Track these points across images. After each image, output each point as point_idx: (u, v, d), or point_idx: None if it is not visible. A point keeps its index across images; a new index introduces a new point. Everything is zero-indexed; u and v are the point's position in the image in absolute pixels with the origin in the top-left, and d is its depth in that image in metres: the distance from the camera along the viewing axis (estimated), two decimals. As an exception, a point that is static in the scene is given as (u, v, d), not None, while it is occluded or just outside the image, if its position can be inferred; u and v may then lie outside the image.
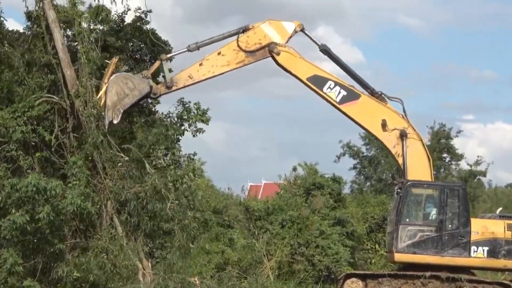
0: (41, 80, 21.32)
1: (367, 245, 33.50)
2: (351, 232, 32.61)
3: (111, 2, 22.02)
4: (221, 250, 28.95)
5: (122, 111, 20.68)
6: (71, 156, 20.37)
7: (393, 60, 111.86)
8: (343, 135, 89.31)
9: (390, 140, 21.69)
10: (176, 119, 23.42)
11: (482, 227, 21.21)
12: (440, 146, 53.70)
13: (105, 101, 20.59)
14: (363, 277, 21.70)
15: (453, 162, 54.88)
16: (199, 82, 21.50)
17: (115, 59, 21.16)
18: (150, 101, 22.70)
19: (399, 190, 21.53)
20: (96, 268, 19.33)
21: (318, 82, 21.69)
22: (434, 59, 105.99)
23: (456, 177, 52.07)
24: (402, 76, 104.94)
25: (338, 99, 21.66)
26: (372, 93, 21.92)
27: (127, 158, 20.79)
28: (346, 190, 42.03)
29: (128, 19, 23.63)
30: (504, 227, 21.20)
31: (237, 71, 21.80)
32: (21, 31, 22.58)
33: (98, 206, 20.19)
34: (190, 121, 23.22)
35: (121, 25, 23.51)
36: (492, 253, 21.04)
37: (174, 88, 21.38)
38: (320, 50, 22.10)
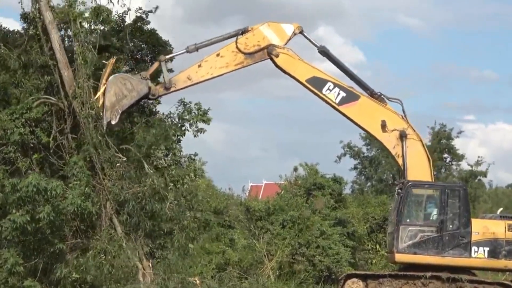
0: (38, 82, 21.31)
1: (368, 245, 33.52)
2: (352, 233, 32.63)
3: (108, 3, 22.01)
4: (221, 250, 28.96)
5: (120, 112, 20.67)
6: (70, 157, 20.39)
7: (393, 60, 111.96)
8: (343, 135, 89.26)
9: (390, 141, 21.68)
10: (177, 119, 23.43)
11: (483, 227, 21.19)
12: (441, 146, 53.75)
13: (103, 102, 20.61)
14: (363, 278, 21.69)
15: (454, 163, 54.95)
16: (197, 83, 21.49)
17: (112, 60, 21.14)
18: (151, 101, 22.70)
19: (399, 191, 21.52)
20: (94, 269, 19.34)
21: (317, 83, 21.69)
22: (434, 59, 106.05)
23: (456, 178, 52.09)
24: (402, 76, 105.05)
25: (337, 101, 21.65)
26: (372, 94, 21.92)
27: (125, 159, 20.79)
28: (347, 190, 42.10)
29: (129, 19, 23.68)
30: (505, 228, 21.18)
31: (237, 72, 21.80)
32: (18, 31, 22.59)
33: (97, 207, 20.20)
34: (191, 121, 23.24)
35: (122, 25, 23.51)
36: (492, 254, 21.01)
37: (172, 89, 21.37)
38: (319, 52, 22.09)
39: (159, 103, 23.54)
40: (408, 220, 21.44)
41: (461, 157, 54.53)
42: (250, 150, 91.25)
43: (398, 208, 21.32)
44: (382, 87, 21.85)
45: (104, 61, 21.23)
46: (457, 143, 54.50)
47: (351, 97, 21.70)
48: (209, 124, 23.37)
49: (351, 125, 22.02)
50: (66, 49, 21.59)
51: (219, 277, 24.86)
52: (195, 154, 24.49)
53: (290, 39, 21.83)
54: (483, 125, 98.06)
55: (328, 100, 21.71)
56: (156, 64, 21.42)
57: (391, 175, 52.65)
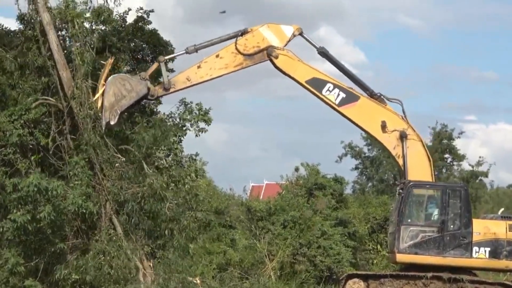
0: (35, 83, 21.31)
1: (369, 245, 33.48)
2: (353, 233, 32.59)
3: (105, 2, 22.02)
4: (223, 250, 28.94)
5: (119, 112, 20.68)
6: (70, 158, 20.38)
7: (393, 60, 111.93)
8: (343, 135, 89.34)
9: (390, 141, 21.67)
10: (178, 119, 23.43)
11: (484, 227, 21.18)
12: (442, 146, 53.75)
13: (102, 102, 20.61)
14: (365, 278, 21.69)
15: (455, 163, 54.96)
16: (197, 84, 21.49)
17: (110, 60, 21.14)
18: (151, 101, 22.69)
19: (401, 191, 21.50)
20: (93, 270, 19.34)
21: (317, 84, 21.69)
22: (434, 59, 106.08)
23: (458, 178, 52.10)
24: (402, 76, 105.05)
25: (337, 102, 21.64)
26: (371, 94, 21.92)
27: (123, 159, 20.79)
28: (348, 190, 42.07)
29: (130, 19, 23.68)
30: (506, 228, 21.17)
31: (236, 72, 21.79)
32: (14, 31, 22.56)
33: (97, 207, 20.19)
34: (192, 121, 23.23)
35: (123, 25, 23.51)
36: (494, 254, 21.00)
37: (172, 90, 21.36)
38: (319, 53, 22.09)
39: (160, 103, 23.58)
40: (409, 220, 21.44)
41: (462, 157, 54.56)
42: (250, 150, 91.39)
43: (399, 208, 21.32)
44: (382, 87, 21.95)
45: (102, 62, 21.23)
46: (458, 143, 54.61)
47: (351, 98, 21.70)
48: (209, 124, 23.40)
49: (352, 125, 22.03)
50: (67, 49, 21.61)
51: (220, 277, 24.88)
52: (196, 154, 24.54)
53: (289, 40, 21.84)
54: (484, 126, 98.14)
55: (328, 101, 21.70)
56: (155, 65, 21.41)
57: (392, 175, 52.68)
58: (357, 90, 21.97)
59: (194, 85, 21.50)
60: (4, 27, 22.82)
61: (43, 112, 20.87)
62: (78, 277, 19.46)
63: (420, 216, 22.04)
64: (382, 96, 21.89)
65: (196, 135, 23.40)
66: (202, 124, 23.33)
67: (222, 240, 29.76)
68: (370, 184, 56.89)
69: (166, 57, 21.87)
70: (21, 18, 21.95)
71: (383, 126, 21.54)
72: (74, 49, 20.89)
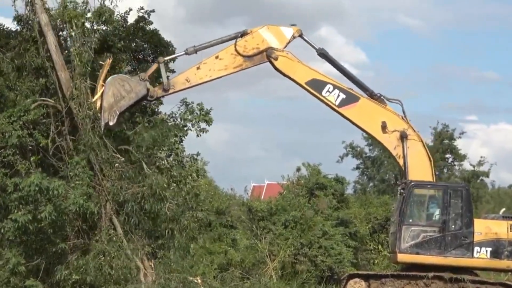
0: (32, 85, 21.30)
1: (370, 245, 33.51)
2: (354, 233, 32.63)
3: (101, 3, 21.99)
4: (224, 250, 28.97)
5: (118, 113, 20.65)
6: (70, 159, 20.37)
7: (393, 60, 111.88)
8: (343, 135, 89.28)
9: (390, 142, 21.65)
10: (179, 119, 23.43)
11: (485, 227, 21.15)
12: (443, 146, 53.73)
13: (101, 103, 20.60)
14: (366, 278, 21.67)
15: (456, 163, 54.94)
16: (196, 85, 21.47)
17: (109, 60, 21.12)
18: (152, 102, 22.68)
19: (402, 191, 21.49)
20: (93, 270, 19.34)
21: (316, 86, 21.67)
22: (434, 59, 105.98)
23: (459, 178, 52.10)
24: (402, 76, 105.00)
25: (337, 103, 21.63)
26: (371, 95, 21.90)
27: (123, 159, 20.78)
28: (349, 190, 42.14)
29: (131, 19, 23.67)
30: (507, 228, 21.12)
31: (237, 73, 21.78)
32: (11, 32, 22.54)
33: (97, 207, 20.19)
34: (194, 121, 23.23)
35: (124, 26, 23.50)
36: (495, 254, 20.97)
37: (171, 91, 21.35)
38: (318, 54, 22.07)
39: (161, 103, 23.57)
40: (410, 220, 21.42)
41: (463, 158, 54.54)
42: (251, 150, 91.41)
43: (401, 208, 21.30)
44: (382, 87, 21.98)
45: (101, 62, 21.22)
46: (459, 143, 54.57)
47: (350, 98, 21.68)
48: (210, 124, 23.39)
49: (351, 125, 22.00)
50: (68, 50, 21.60)
51: (221, 277, 24.90)
52: (197, 154, 24.53)
53: (289, 42, 21.83)
54: (485, 126, 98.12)
55: (328, 102, 21.69)
56: (155, 66, 21.39)
57: (393, 175, 52.65)
58: (357, 91, 21.97)
59: (193, 86, 21.49)
60: (5, 27, 22.82)
61: (42, 113, 20.86)
62: (79, 277, 19.45)
63: (421, 216, 22.01)
64: (382, 97, 21.87)
65: (197, 135, 23.40)
66: (203, 125, 23.32)
67: (223, 240, 29.80)
68: (371, 184, 56.89)
69: (166, 58, 21.87)
70: (18, 19, 21.95)
71: (383, 127, 21.52)
72: (73, 49, 20.88)
